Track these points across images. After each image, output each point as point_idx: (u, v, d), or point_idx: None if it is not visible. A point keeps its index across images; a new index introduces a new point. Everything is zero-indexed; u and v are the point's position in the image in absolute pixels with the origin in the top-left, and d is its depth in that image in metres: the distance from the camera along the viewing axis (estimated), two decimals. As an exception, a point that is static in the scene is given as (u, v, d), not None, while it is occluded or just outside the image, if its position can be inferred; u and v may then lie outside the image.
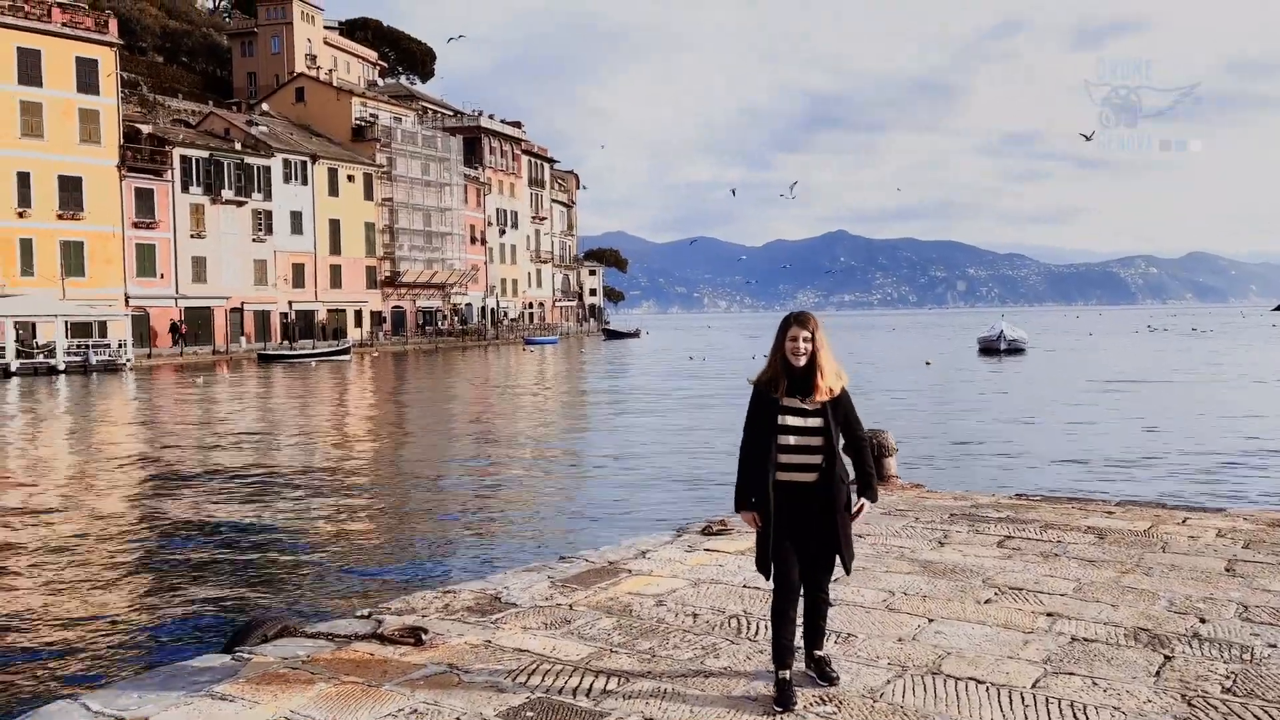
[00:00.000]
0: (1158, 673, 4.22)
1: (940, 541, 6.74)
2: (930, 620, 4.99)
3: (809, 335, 3.92)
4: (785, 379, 3.93)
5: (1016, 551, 6.43)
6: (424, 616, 5.23)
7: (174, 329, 56.06)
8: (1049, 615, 5.04)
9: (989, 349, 56.87)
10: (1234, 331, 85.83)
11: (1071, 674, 4.22)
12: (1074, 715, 3.78)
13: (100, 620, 7.99)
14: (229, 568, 9.90)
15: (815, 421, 3.91)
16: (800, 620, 4.07)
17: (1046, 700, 3.93)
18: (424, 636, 4.83)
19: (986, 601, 5.30)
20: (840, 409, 3.97)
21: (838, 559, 4.01)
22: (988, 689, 4.06)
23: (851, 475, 4.08)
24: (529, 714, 3.88)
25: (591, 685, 4.17)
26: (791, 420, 3.91)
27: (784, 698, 3.90)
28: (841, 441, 3.99)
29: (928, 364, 47.16)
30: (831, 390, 3.93)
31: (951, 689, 4.07)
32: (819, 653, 4.14)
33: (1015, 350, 56.34)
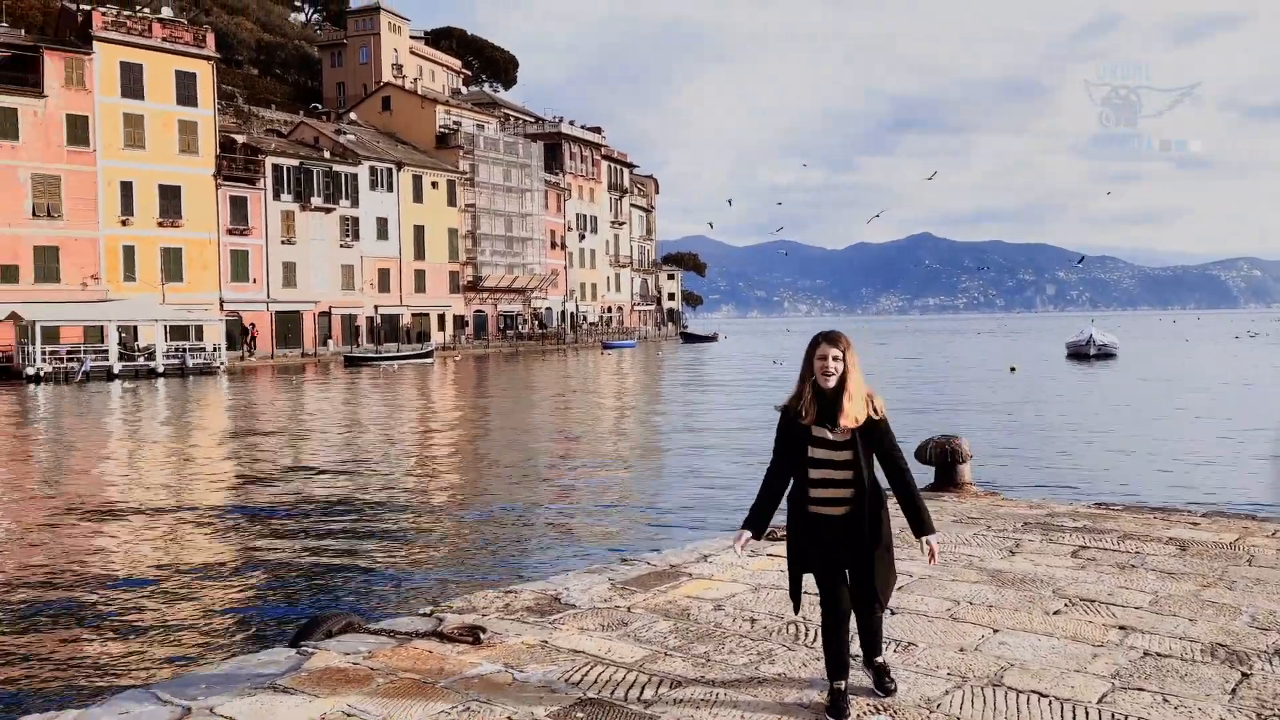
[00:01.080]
0: (1233, 690, 4.03)
1: (1011, 550, 6.56)
2: (995, 630, 4.86)
3: (839, 354, 3.70)
4: (815, 404, 3.73)
5: (1091, 562, 6.22)
6: (484, 615, 5.29)
7: (244, 332, 57.32)
8: (1121, 628, 4.86)
9: (1078, 354, 55.23)
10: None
11: (1141, 689, 4.06)
12: (1140, 732, 3.64)
13: (178, 613, 8.29)
14: (304, 563, 10.17)
15: (844, 454, 3.72)
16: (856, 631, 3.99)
17: (1113, 716, 3.79)
18: (482, 635, 4.88)
19: (1055, 613, 5.14)
20: (874, 437, 3.75)
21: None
22: (1050, 703, 3.94)
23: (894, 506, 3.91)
24: (579, 715, 3.89)
25: (644, 688, 4.16)
26: (818, 452, 3.73)
27: (836, 708, 3.82)
28: (869, 471, 3.76)
29: (1012, 370, 45.99)
30: (858, 419, 3.71)
31: (1012, 702, 3.95)
32: (878, 660, 4.03)
33: (1106, 355, 54.61)
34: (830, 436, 3.71)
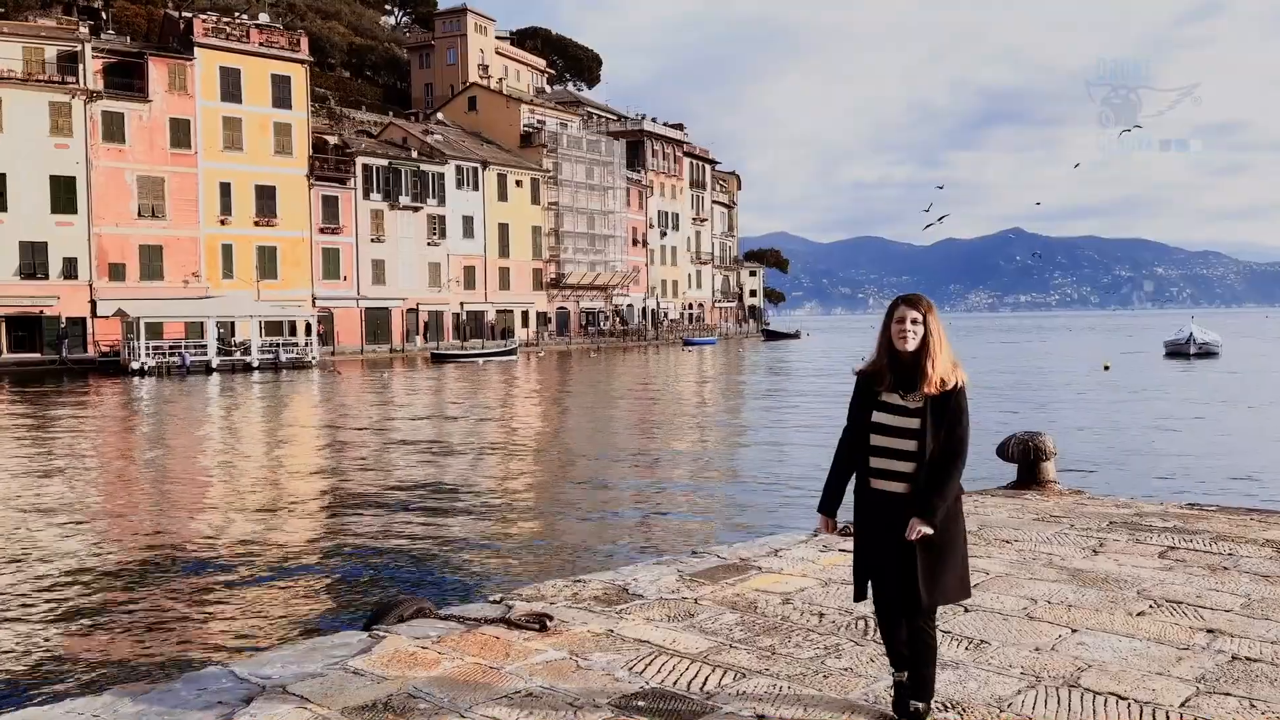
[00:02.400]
0: (1328, 699, 3.83)
1: (1094, 550, 6.34)
2: (1073, 631, 4.70)
3: (919, 316, 3.42)
4: (890, 370, 3.47)
5: (1180, 563, 5.97)
6: (552, 604, 5.33)
7: (308, 329, 57.29)
8: (1209, 631, 4.66)
9: (1177, 352, 53.18)
10: None
11: (1228, 694, 3.89)
12: (1224, 739, 3.48)
13: (259, 594, 8.56)
14: (382, 550, 10.41)
15: (913, 422, 3.40)
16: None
17: (1195, 721, 3.63)
18: (548, 623, 4.92)
19: (1139, 614, 4.95)
20: (949, 408, 3.41)
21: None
22: (1129, 705, 3.79)
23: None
24: (640, 703, 3.88)
25: (707, 679, 4.14)
26: (884, 418, 3.45)
27: (897, 701, 3.66)
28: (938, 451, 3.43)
29: (1106, 367, 44.51)
30: (944, 381, 3.40)
31: (1088, 703, 3.82)
32: (919, 705, 3.53)
33: (1207, 354, 52.46)
34: (901, 402, 3.44)
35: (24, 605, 8.56)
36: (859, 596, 3.63)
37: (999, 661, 4.31)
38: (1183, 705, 3.79)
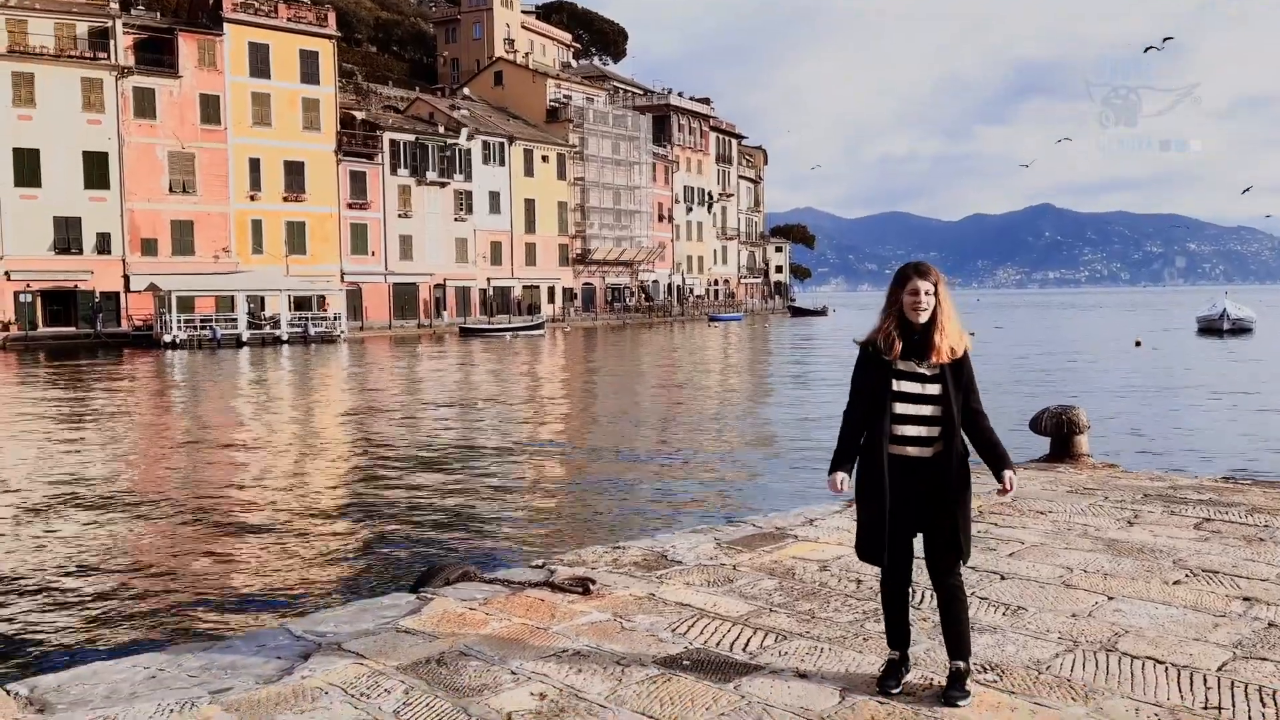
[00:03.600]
0: (1366, 665, 3.87)
1: (1129, 521, 6.38)
2: (1110, 598, 4.76)
3: (931, 288, 3.48)
4: (900, 339, 3.51)
5: (1216, 534, 6.00)
6: (593, 569, 5.44)
7: (320, 302, 56.65)
8: (1245, 600, 4.71)
9: (1210, 328, 52.57)
10: None
11: (1265, 659, 3.94)
12: (1261, 700, 3.54)
13: (311, 560, 8.77)
14: (425, 518, 10.61)
15: (933, 388, 3.49)
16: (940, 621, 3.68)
17: (1232, 684, 3.69)
18: (591, 587, 5.04)
19: (1175, 583, 5.00)
20: (963, 374, 3.53)
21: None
22: (1167, 669, 3.85)
23: (973, 452, 3.60)
24: (685, 662, 3.99)
25: (749, 640, 4.24)
26: (906, 386, 3.50)
27: (885, 677, 3.68)
28: (959, 414, 3.53)
29: (1138, 344, 44.10)
30: (954, 350, 3.50)
31: (1126, 667, 3.89)
32: (960, 664, 3.57)
33: (1241, 330, 51.82)
34: (918, 369, 3.50)
35: (74, 570, 8.81)
36: (881, 561, 3.60)
37: (1036, 626, 4.38)
38: (1220, 670, 3.85)
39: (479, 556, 8.31)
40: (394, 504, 11.54)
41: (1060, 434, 8.58)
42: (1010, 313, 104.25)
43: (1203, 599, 4.73)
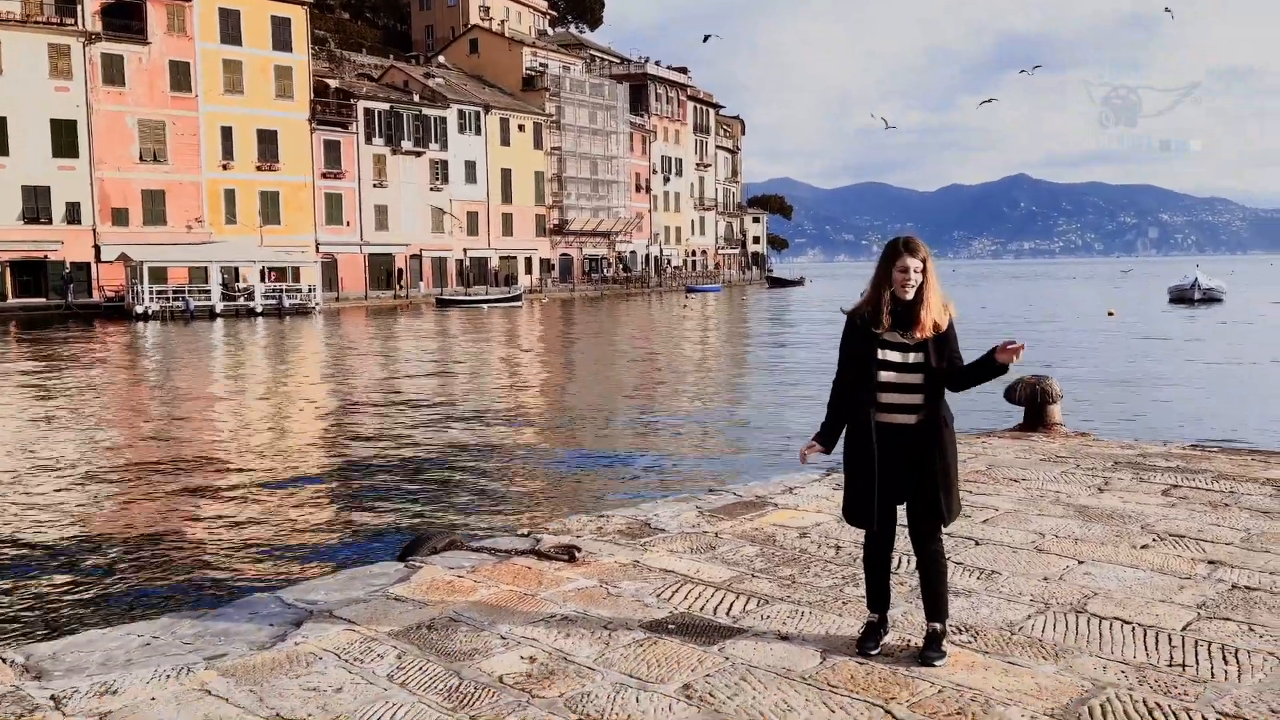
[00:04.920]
0: (1323, 623, 4.04)
1: (1100, 488, 6.55)
2: (1080, 562, 4.92)
3: (920, 265, 3.59)
4: (888, 312, 3.64)
5: (1183, 500, 6.18)
6: (579, 537, 5.54)
7: (262, 276, 52.53)
8: (1210, 563, 4.87)
9: (1181, 298, 53.23)
10: None
11: (1227, 619, 4.10)
12: (1224, 658, 3.70)
13: (295, 530, 8.83)
14: (406, 488, 10.68)
15: (917, 357, 3.62)
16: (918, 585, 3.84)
17: (1196, 643, 3.84)
18: (577, 554, 5.14)
19: (1143, 547, 5.16)
20: (946, 346, 3.65)
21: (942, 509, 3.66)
22: (1134, 629, 4.01)
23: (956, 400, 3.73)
24: (671, 626, 4.10)
25: (732, 605, 4.36)
26: (892, 355, 3.63)
27: (864, 639, 3.80)
28: (942, 383, 3.67)
29: (1110, 314, 44.62)
30: (938, 325, 3.62)
31: (1095, 627, 4.04)
32: (937, 626, 3.72)
33: (1211, 300, 52.52)
34: (903, 340, 3.63)
35: (59, 542, 8.82)
36: (871, 524, 3.72)
37: (1009, 590, 4.53)
38: (1184, 629, 4.00)
39: (464, 526, 8.39)
40: (377, 475, 11.59)
41: (1034, 403, 8.75)
42: (987, 284, 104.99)
43: (1169, 562, 4.89)
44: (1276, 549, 5.08)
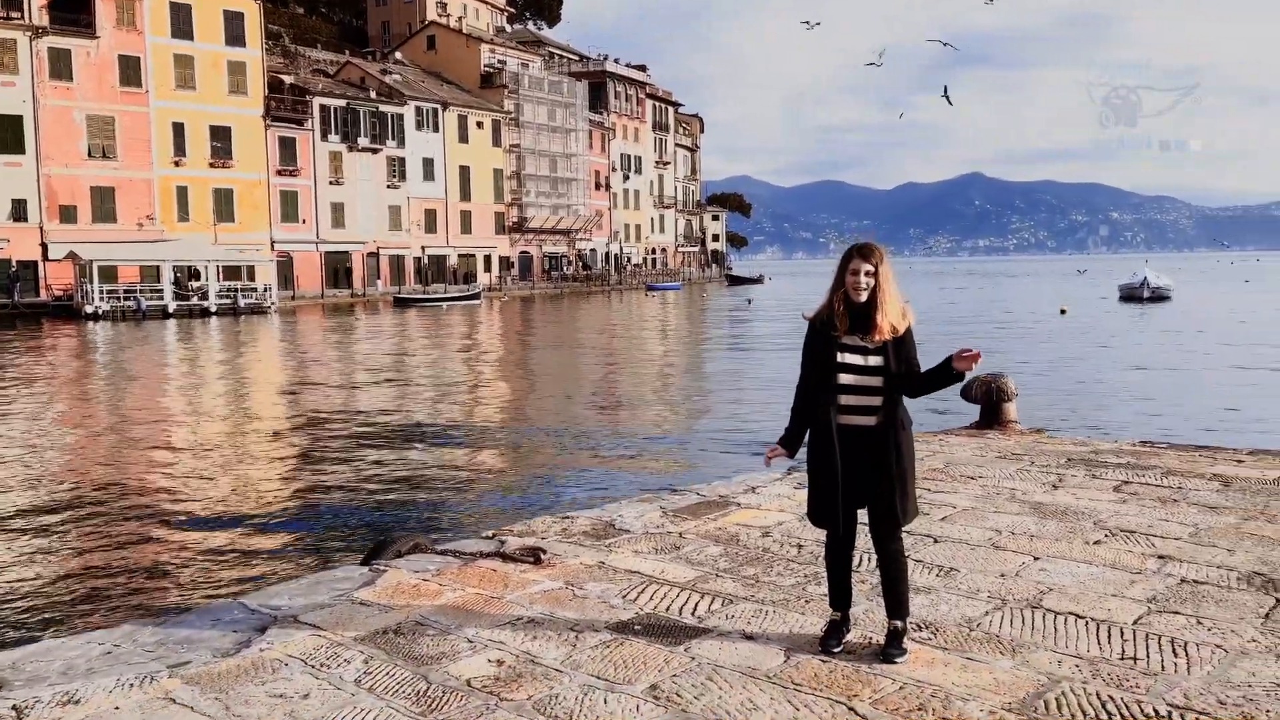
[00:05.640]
0: (1267, 615, 4.18)
1: (1054, 485, 6.69)
2: (1035, 558, 5.03)
3: (871, 269, 3.66)
4: (846, 315, 3.70)
5: (1133, 496, 6.34)
6: (543, 539, 5.56)
7: (194, 276, 52.06)
8: (1160, 558, 5.01)
9: (1131, 296, 54.31)
10: None
11: (1176, 613, 4.22)
12: (1173, 650, 3.81)
13: (256, 536, 8.74)
14: (368, 490, 10.60)
15: (876, 360, 3.69)
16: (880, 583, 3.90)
17: (1147, 636, 3.96)
18: (543, 556, 5.16)
19: (1096, 542, 5.29)
20: (904, 349, 3.72)
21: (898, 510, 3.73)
22: (1087, 623, 4.11)
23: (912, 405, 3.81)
24: (637, 627, 4.14)
25: (697, 605, 4.41)
26: (851, 358, 3.69)
27: (826, 637, 3.87)
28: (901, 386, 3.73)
29: (1063, 311, 45.41)
30: (894, 329, 3.68)
31: (1050, 622, 4.14)
32: (898, 623, 3.80)
33: (1160, 298, 53.65)
34: (862, 343, 3.69)
35: (8, 551, 8.66)
36: (835, 525, 3.78)
37: (968, 586, 4.62)
38: (1135, 623, 4.12)
39: (428, 529, 8.37)
40: (337, 478, 11.50)
41: (989, 401, 8.91)
42: (945, 281, 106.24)
43: (1121, 557, 5.02)
44: (1223, 543, 5.24)
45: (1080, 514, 5.89)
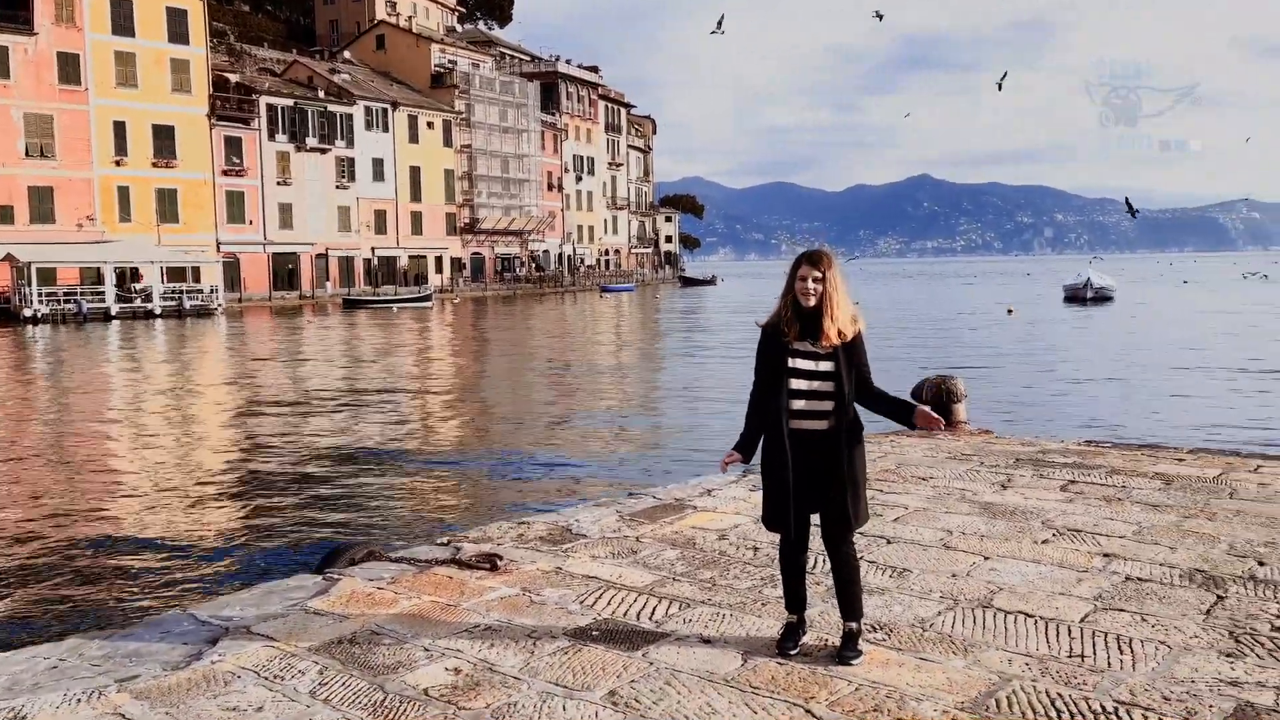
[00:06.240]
0: (1208, 611, 4.30)
1: (1003, 485, 6.82)
2: (986, 558, 5.12)
3: (820, 275, 3.71)
4: (796, 322, 3.75)
5: (1079, 495, 6.48)
6: (499, 545, 5.54)
7: (136, 277, 50.01)
8: (1105, 556, 5.12)
9: (1075, 297, 55.43)
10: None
11: (1121, 610, 4.33)
12: (1119, 647, 3.90)
13: (205, 545, 8.59)
14: (320, 497, 10.46)
15: (826, 366, 3.74)
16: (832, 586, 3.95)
17: (1093, 633, 4.05)
18: (499, 562, 5.13)
19: (1044, 542, 5.40)
20: (854, 354, 3.77)
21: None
22: (1036, 622, 4.20)
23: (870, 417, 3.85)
24: (595, 633, 4.14)
25: (654, 609, 4.42)
26: (801, 364, 3.75)
27: (784, 640, 3.91)
28: (850, 388, 3.77)
29: (1010, 312, 46.22)
30: (843, 334, 3.74)
31: (1000, 621, 4.22)
32: (853, 625, 3.85)
33: (1103, 298, 54.83)
34: (813, 349, 3.74)
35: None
36: (788, 530, 3.83)
37: (920, 587, 4.69)
38: (1082, 620, 4.21)
39: (381, 536, 8.28)
40: (287, 486, 11.34)
41: (940, 402, 9.03)
42: (897, 283, 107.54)
43: (1068, 556, 5.13)
44: (1165, 541, 5.37)
45: (1028, 514, 6.01)
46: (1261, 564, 4.94)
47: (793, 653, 3.86)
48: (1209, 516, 5.88)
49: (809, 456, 3.76)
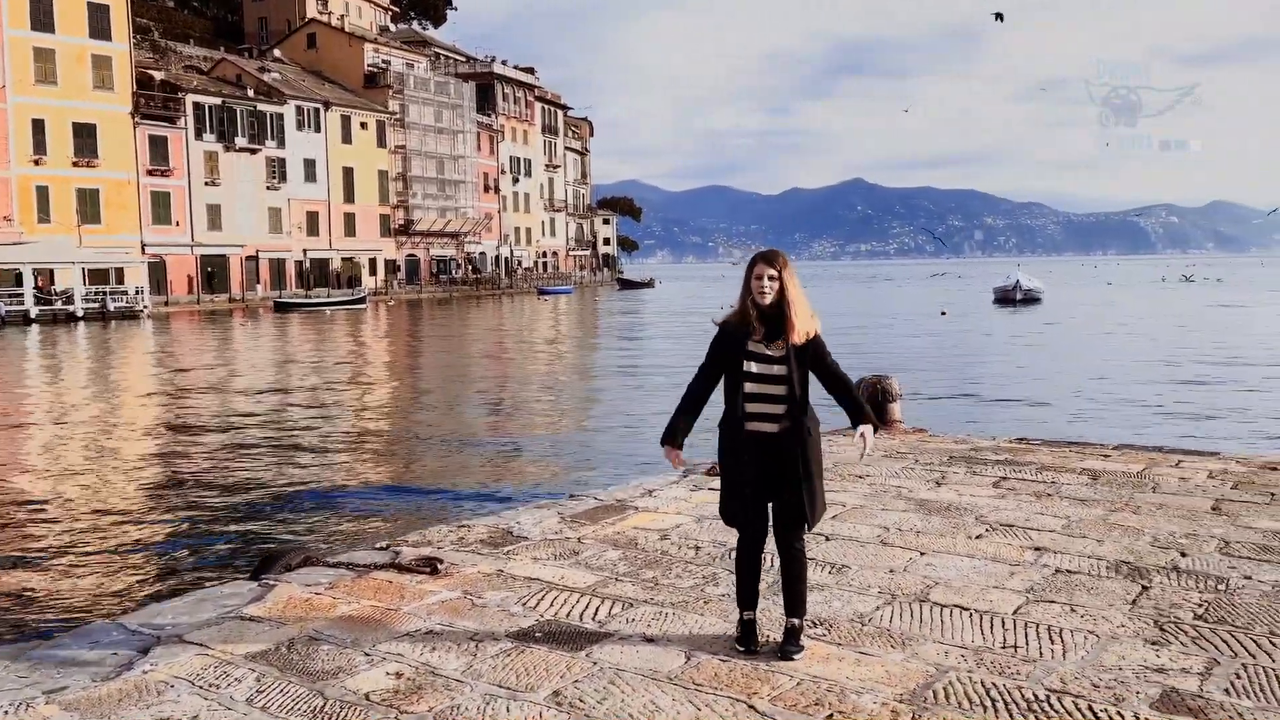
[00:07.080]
0: (1134, 601, 4.44)
1: (937, 482, 6.95)
2: (922, 554, 5.22)
3: (774, 273, 3.73)
4: (757, 321, 3.77)
5: (1011, 491, 6.64)
6: (440, 548, 5.49)
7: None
8: (1036, 550, 5.26)
9: (1005, 299, 56.75)
10: (1246, 281, 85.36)
11: (1052, 602, 4.45)
12: (1050, 638, 4.01)
13: (130, 552, 8.35)
14: (251, 504, 10.25)
15: (779, 369, 3.75)
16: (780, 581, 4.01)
17: (1025, 625, 4.16)
18: (440, 566, 5.09)
19: (977, 537, 5.52)
20: (809, 354, 3.79)
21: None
22: (971, 615, 4.29)
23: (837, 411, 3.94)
24: (538, 634, 4.13)
25: (597, 609, 4.42)
26: (754, 366, 3.77)
27: (744, 637, 3.94)
28: (803, 389, 3.79)
29: (943, 314, 47.15)
30: (806, 333, 3.76)
31: (937, 615, 4.30)
32: (796, 621, 3.91)
33: (1031, 300, 56.21)
34: (767, 351, 3.76)
35: None
36: (741, 525, 3.91)
37: (859, 583, 4.77)
38: (1015, 613, 4.32)
39: (318, 540, 8.14)
40: (216, 491, 11.08)
41: (875, 402, 9.18)
42: (834, 285, 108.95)
43: (1000, 551, 5.26)
44: (1093, 535, 5.54)
45: (962, 510, 6.14)
46: (1184, 555, 5.12)
47: (759, 649, 3.89)
48: (1134, 510, 6.07)
49: (762, 456, 3.79)
